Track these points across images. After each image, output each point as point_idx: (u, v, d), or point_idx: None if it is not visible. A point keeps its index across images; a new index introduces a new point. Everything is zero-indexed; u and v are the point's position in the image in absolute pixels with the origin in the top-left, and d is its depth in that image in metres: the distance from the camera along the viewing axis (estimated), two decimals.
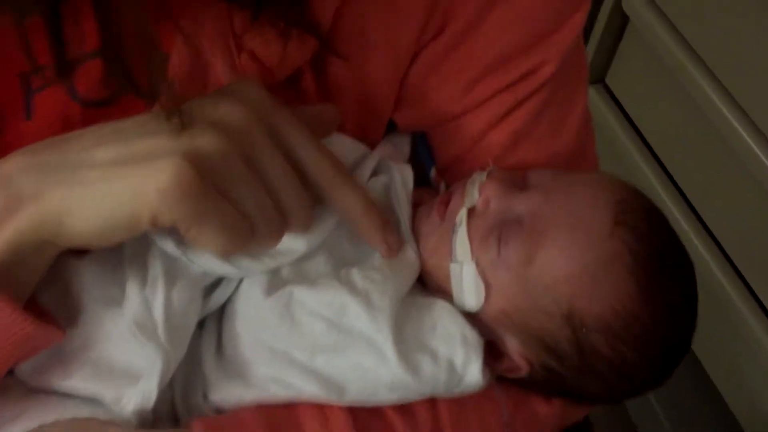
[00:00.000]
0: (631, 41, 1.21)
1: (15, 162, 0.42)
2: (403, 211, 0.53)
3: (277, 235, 0.45)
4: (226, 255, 0.45)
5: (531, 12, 0.52)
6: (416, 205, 0.54)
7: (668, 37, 1.09)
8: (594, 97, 1.28)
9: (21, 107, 0.46)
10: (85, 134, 0.43)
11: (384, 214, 0.50)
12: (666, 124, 1.18)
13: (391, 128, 0.58)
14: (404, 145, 0.58)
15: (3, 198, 0.41)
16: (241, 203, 0.42)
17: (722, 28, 1.03)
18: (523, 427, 0.53)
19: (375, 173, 0.54)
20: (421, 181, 0.58)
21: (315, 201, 0.47)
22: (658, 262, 0.49)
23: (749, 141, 0.99)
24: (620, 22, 1.21)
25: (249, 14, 0.45)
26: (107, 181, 0.41)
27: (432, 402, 0.50)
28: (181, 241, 0.47)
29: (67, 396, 0.46)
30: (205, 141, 0.41)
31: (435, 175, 0.58)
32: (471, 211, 0.51)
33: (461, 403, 0.50)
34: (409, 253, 0.51)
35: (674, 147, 1.18)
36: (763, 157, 0.98)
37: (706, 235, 1.13)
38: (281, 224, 0.45)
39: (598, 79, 1.29)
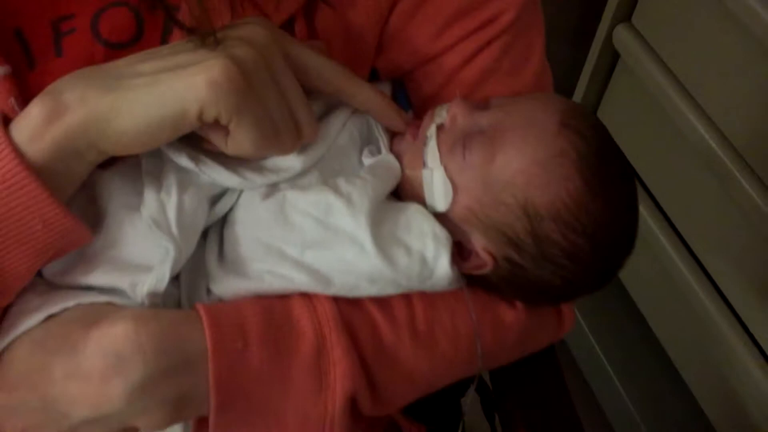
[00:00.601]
0: (621, 77, 1.24)
1: (63, 79, 0.48)
2: (382, 135, 0.59)
3: (294, 141, 0.52)
4: (254, 152, 0.50)
5: None
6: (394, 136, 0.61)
7: (658, 73, 1.12)
8: None
9: (52, 47, 0.53)
10: (124, 59, 0.49)
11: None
12: (657, 158, 1.20)
13: (374, 78, 0.65)
14: (385, 89, 0.65)
15: (51, 103, 0.46)
16: (270, 105, 0.49)
17: (711, 65, 1.05)
18: (488, 330, 0.58)
19: (357, 110, 0.61)
20: None
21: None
22: (600, 160, 0.55)
23: (738, 175, 1.01)
24: (611, 58, 1.24)
25: None
26: (156, 82, 0.47)
27: (408, 299, 0.56)
28: (193, 156, 0.53)
29: (87, 288, 0.52)
30: (240, 51, 0.47)
31: (412, 118, 0.64)
32: (440, 127, 0.58)
33: (434, 302, 0.57)
34: (392, 160, 0.58)
35: (665, 180, 1.20)
36: (750, 191, 1.00)
37: (698, 267, 1.13)
38: (296, 132, 0.51)
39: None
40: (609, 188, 0.55)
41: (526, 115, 0.57)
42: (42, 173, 0.46)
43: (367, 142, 0.61)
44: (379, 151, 0.60)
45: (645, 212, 1.20)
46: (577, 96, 1.29)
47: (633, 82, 1.20)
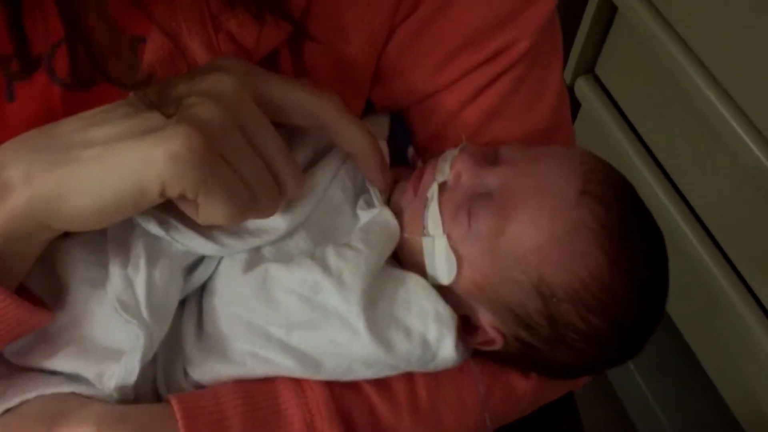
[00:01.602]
0: (620, 32, 1.21)
1: (4, 151, 0.43)
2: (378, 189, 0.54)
3: (276, 203, 0.46)
4: (230, 222, 0.45)
5: None
6: (395, 183, 0.55)
7: (657, 27, 1.08)
8: (583, 87, 1.27)
9: (3, 90, 0.47)
10: (73, 119, 0.43)
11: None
12: (656, 114, 1.18)
13: (370, 109, 0.59)
14: (382, 124, 0.59)
15: None
16: (241, 171, 0.43)
17: (712, 18, 1.02)
18: (499, 401, 0.54)
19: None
20: (400, 161, 0.59)
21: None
22: (625, 231, 0.49)
23: (738, 130, 0.99)
24: (609, 12, 1.20)
25: None
26: (110, 155, 0.41)
27: (409, 376, 0.51)
28: (163, 220, 0.48)
29: (50, 373, 0.47)
30: (204, 110, 0.42)
31: (413, 154, 0.59)
32: (443, 186, 0.52)
33: (438, 378, 0.52)
34: (390, 219, 0.52)
35: (664, 136, 1.18)
36: (753, 146, 0.98)
37: (698, 224, 1.12)
38: (277, 191, 0.46)
39: (588, 69, 1.28)
40: (633, 262, 0.49)
41: (541, 177, 0.51)
42: None
43: (362, 190, 0.55)
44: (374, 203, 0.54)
45: (645, 170, 1.18)
46: (574, 52, 1.26)
47: (631, 37, 1.16)
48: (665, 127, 1.17)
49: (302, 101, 0.47)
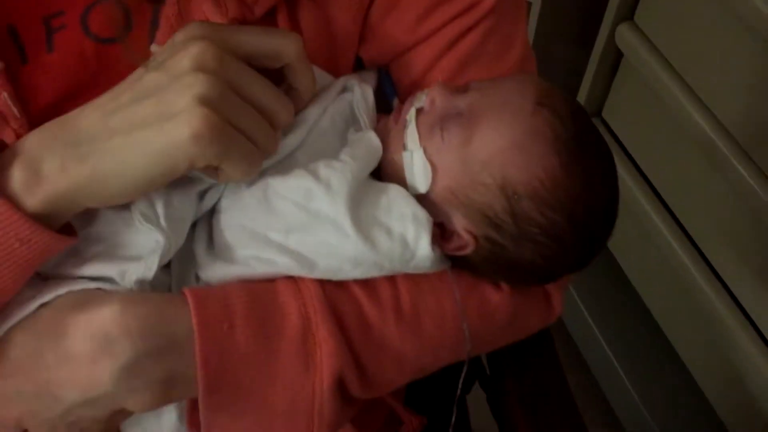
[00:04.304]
0: (625, 76, 1.24)
1: (33, 140, 0.49)
2: (363, 115, 0.60)
3: (275, 139, 0.52)
4: (247, 176, 0.51)
5: None
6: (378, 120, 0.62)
7: (662, 72, 1.12)
8: None
9: (44, 43, 0.54)
10: (87, 110, 0.49)
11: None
12: (661, 155, 1.20)
13: (359, 67, 0.66)
14: (370, 78, 0.65)
15: (30, 171, 0.47)
16: (246, 128, 0.48)
17: (714, 62, 1.05)
18: (475, 312, 0.59)
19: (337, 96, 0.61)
20: (387, 110, 0.65)
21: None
22: (575, 137, 0.55)
23: (743, 171, 1.01)
24: (614, 57, 1.24)
25: None
26: (135, 143, 0.47)
27: (393, 281, 0.57)
28: None
29: (79, 278, 0.53)
30: (202, 86, 0.47)
31: (397, 104, 0.65)
32: (420, 111, 0.58)
33: (418, 283, 0.57)
34: (373, 138, 0.59)
35: (670, 178, 1.20)
36: (757, 188, 0.99)
37: (704, 264, 1.13)
38: (272, 130, 0.51)
39: (595, 113, 1.32)
40: (585, 165, 0.55)
41: (502, 95, 0.57)
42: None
43: (352, 123, 0.61)
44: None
45: (650, 209, 1.20)
46: (582, 96, 1.29)
47: (637, 81, 1.20)
48: (670, 168, 1.19)
49: (270, 45, 0.52)
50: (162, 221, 0.52)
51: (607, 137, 1.28)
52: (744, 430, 1.15)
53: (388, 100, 0.67)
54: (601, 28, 1.22)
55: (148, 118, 0.47)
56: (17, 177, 0.47)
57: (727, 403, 1.17)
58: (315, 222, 0.54)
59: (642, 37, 1.15)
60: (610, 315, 1.40)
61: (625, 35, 1.17)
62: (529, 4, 1.31)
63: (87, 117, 0.49)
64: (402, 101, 0.63)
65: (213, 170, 0.50)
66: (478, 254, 0.57)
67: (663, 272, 1.23)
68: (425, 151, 0.57)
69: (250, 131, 0.49)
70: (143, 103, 0.47)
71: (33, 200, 0.47)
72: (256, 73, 0.50)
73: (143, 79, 0.49)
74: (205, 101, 0.46)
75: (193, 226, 0.57)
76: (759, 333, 1.05)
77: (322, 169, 0.55)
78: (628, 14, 1.18)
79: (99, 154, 0.47)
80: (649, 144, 1.22)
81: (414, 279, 0.57)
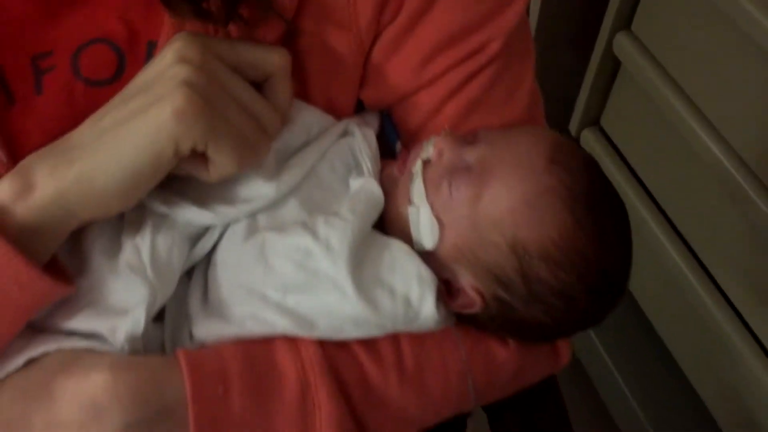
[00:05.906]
0: (623, 85, 1.24)
1: (31, 157, 0.48)
2: (366, 160, 0.58)
3: (267, 143, 0.51)
4: (239, 169, 0.50)
5: None
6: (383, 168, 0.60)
7: (659, 80, 1.11)
8: (589, 139, 1.30)
9: (32, 84, 0.53)
10: (84, 125, 0.49)
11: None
12: (660, 164, 1.20)
13: (361, 109, 0.64)
14: (373, 120, 0.64)
15: (18, 183, 0.47)
16: (232, 117, 0.48)
17: (712, 71, 1.05)
18: (480, 368, 0.57)
19: (338, 138, 0.60)
20: (389, 155, 0.64)
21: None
22: (590, 196, 0.54)
23: (741, 181, 1.01)
24: (612, 66, 1.23)
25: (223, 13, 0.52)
26: (122, 134, 0.47)
27: (395, 340, 0.55)
28: (166, 199, 0.53)
29: (69, 333, 0.51)
30: (185, 73, 0.47)
31: (401, 149, 0.64)
32: (426, 163, 0.57)
33: (422, 341, 0.56)
34: (375, 188, 0.57)
35: (667, 185, 1.20)
36: (756, 198, 0.99)
37: (703, 273, 1.13)
38: (263, 132, 0.50)
39: (593, 122, 1.31)
40: (600, 225, 0.54)
41: (513, 150, 0.56)
42: (17, 241, 0.46)
43: (353, 167, 0.59)
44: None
45: (650, 220, 1.20)
46: (579, 105, 1.29)
47: (635, 89, 1.19)
48: (669, 177, 1.19)
49: (256, 54, 0.52)
50: (148, 271, 0.51)
51: (605, 146, 1.28)
52: None
53: (390, 143, 0.65)
54: (599, 37, 1.21)
55: (135, 111, 0.47)
56: (8, 187, 0.47)
57: (728, 414, 1.17)
58: (315, 282, 0.52)
59: (640, 45, 1.15)
60: (610, 327, 1.40)
61: (622, 44, 1.17)
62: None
63: (80, 128, 0.49)
64: (405, 145, 0.62)
65: (202, 165, 0.49)
66: (486, 313, 0.56)
67: (658, 277, 1.23)
68: (432, 207, 0.55)
69: (236, 121, 0.48)
70: (131, 101, 0.48)
71: (23, 208, 0.46)
72: (244, 81, 0.50)
73: (131, 82, 0.49)
74: (188, 83, 0.46)
75: (189, 276, 0.56)
76: (760, 345, 1.05)
77: (322, 227, 0.53)
78: (625, 23, 1.18)
79: (87, 153, 0.47)
80: (648, 153, 1.21)
81: (418, 336, 0.55)
